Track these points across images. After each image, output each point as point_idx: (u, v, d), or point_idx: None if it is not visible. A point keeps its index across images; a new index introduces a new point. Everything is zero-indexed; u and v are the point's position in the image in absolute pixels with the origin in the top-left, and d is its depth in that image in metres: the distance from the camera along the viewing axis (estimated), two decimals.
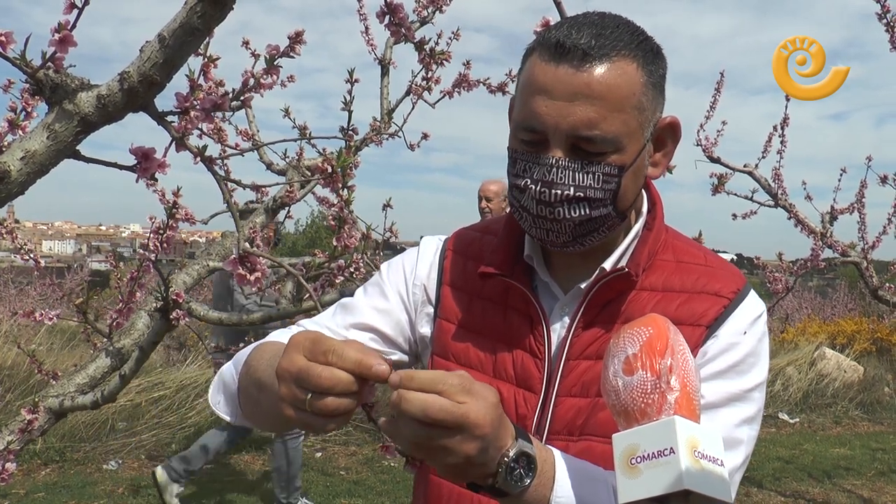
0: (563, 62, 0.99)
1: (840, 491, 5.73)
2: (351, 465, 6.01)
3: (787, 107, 4.72)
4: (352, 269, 2.00)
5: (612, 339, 0.91)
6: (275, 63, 1.36)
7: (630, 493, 0.82)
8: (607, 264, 1.11)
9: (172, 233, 1.76)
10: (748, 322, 1.08)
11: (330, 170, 1.37)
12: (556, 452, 0.95)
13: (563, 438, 1.07)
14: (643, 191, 1.16)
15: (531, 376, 1.10)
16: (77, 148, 1.15)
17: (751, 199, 4.85)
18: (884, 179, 3.93)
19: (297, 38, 1.47)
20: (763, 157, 4.85)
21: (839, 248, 4.47)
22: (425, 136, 3.70)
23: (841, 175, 4.97)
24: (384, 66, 3.38)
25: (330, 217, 1.92)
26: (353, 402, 0.80)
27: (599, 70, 0.98)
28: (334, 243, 1.91)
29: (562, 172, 1.01)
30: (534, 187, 1.02)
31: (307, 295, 2.07)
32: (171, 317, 1.89)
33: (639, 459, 0.82)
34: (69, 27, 1.10)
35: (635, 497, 0.81)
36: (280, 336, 1.17)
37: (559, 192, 1.01)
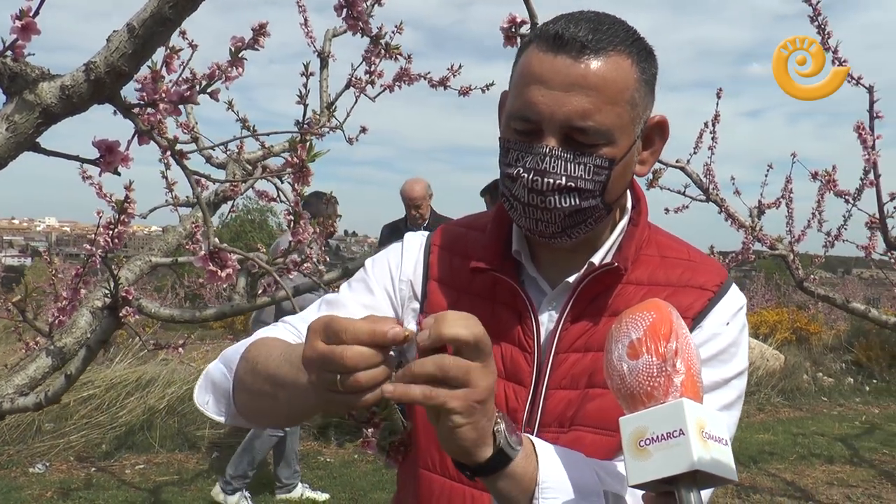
0: (560, 53, 1.00)
1: (765, 475, 5.95)
2: None
3: (717, 104, 4.86)
4: (306, 265, 1.98)
5: (614, 325, 0.92)
6: (239, 55, 1.34)
7: (640, 475, 0.84)
8: (595, 259, 1.13)
9: (124, 228, 1.71)
10: (730, 314, 1.12)
11: (300, 164, 1.36)
12: (529, 436, 0.98)
13: (553, 430, 1.08)
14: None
15: (521, 370, 1.11)
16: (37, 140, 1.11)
17: (683, 193, 4.97)
18: (815, 176, 4.09)
19: (260, 31, 1.44)
20: (694, 153, 4.98)
21: (767, 241, 4.63)
22: (364, 130, 3.67)
23: (768, 171, 5.15)
24: (323, 58, 3.35)
25: (285, 212, 1.90)
26: (383, 370, 0.81)
27: (596, 63, 1.00)
28: (290, 238, 1.89)
29: (555, 161, 1.02)
30: (526, 175, 1.03)
31: (261, 290, 2.04)
32: (121, 314, 1.84)
33: (648, 441, 0.84)
34: (31, 14, 1.06)
35: (645, 478, 0.83)
36: (272, 332, 1.16)
37: (551, 180, 1.03)
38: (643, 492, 0.88)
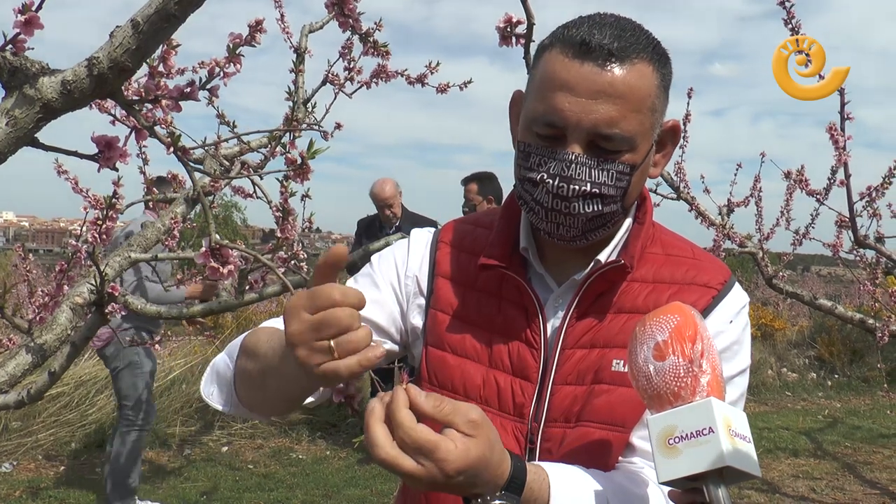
0: (587, 60, 1.01)
1: None
2: (258, 458, 5.91)
3: (688, 103, 4.92)
4: (293, 262, 1.98)
5: (637, 327, 0.95)
6: (237, 52, 1.34)
7: (670, 473, 0.86)
8: (602, 256, 1.14)
9: (112, 224, 1.69)
10: (734, 312, 1.15)
11: (300, 161, 1.36)
12: (554, 479, 0.98)
13: (560, 426, 1.10)
14: None
15: (527, 366, 1.13)
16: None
17: (655, 192, 5.03)
18: (787, 175, 4.17)
19: (257, 27, 1.44)
20: None
21: (737, 239, 4.71)
22: (339, 126, 3.66)
23: (737, 170, 5.24)
24: (300, 54, 3.34)
25: (274, 208, 1.90)
26: (369, 331, 0.83)
27: (622, 70, 1.01)
28: (278, 234, 1.89)
29: (580, 168, 1.03)
30: (551, 181, 1.04)
31: (248, 287, 2.03)
32: (107, 311, 1.82)
33: (677, 440, 0.86)
34: (34, 8, 1.05)
35: (676, 475, 0.86)
36: (277, 324, 1.16)
37: (577, 187, 1.04)
38: (669, 489, 0.91)
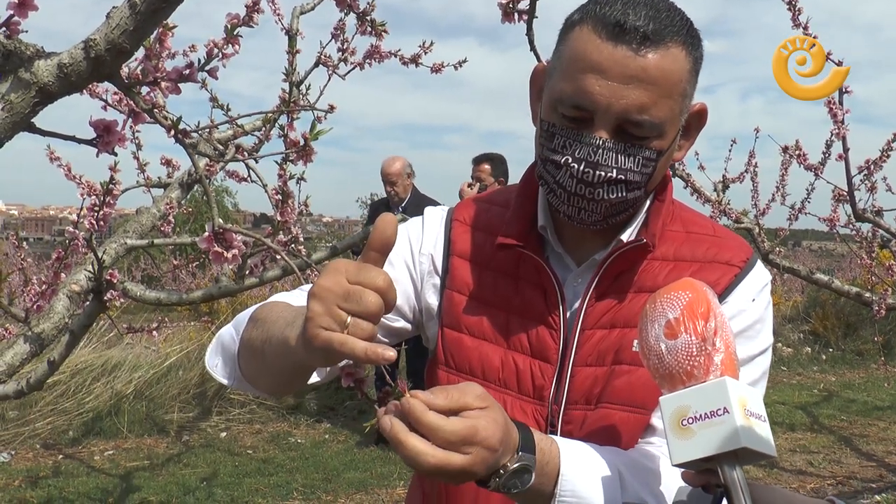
0: (621, 43, 0.97)
1: None
2: (257, 443, 5.92)
3: None
4: (293, 245, 1.96)
5: (648, 304, 0.93)
6: (235, 32, 1.31)
7: (684, 454, 0.84)
8: (623, 236, 1.12)
9: (109, 210, 1.67)
10: (756, 290, 1.12)
11: (303, 142, 1.34)
12: (564, 446, 0.97)
13: (580, 407, 1.09)
14: None
15: (547, 347, 1.11)
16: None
17: None
18: (785, 150, 4.15)
19: (254, 7, 1.42)
20: None
21: (733, 215, 4.70)
22: (332, 108, 3.63)
23: (731, 146, 5.23)
24: (292, 36, 3.30)
25: (273, 191, 1.87)
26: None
27: (655, 55, 0.98)
28: (278, 218, 1.87)
29: (607, 154, 1.01)
30: (576, 166, 1.02)
31: (248, 271, 2.01)
32: (105, 298, 1.80)
33: (691, 420, 0.84)
34: None
35: (690, 457, 0.84)
36: (287, 298, 1.14)
37: (603, 173, 1.01)
38: (682, 469, 0.89)
